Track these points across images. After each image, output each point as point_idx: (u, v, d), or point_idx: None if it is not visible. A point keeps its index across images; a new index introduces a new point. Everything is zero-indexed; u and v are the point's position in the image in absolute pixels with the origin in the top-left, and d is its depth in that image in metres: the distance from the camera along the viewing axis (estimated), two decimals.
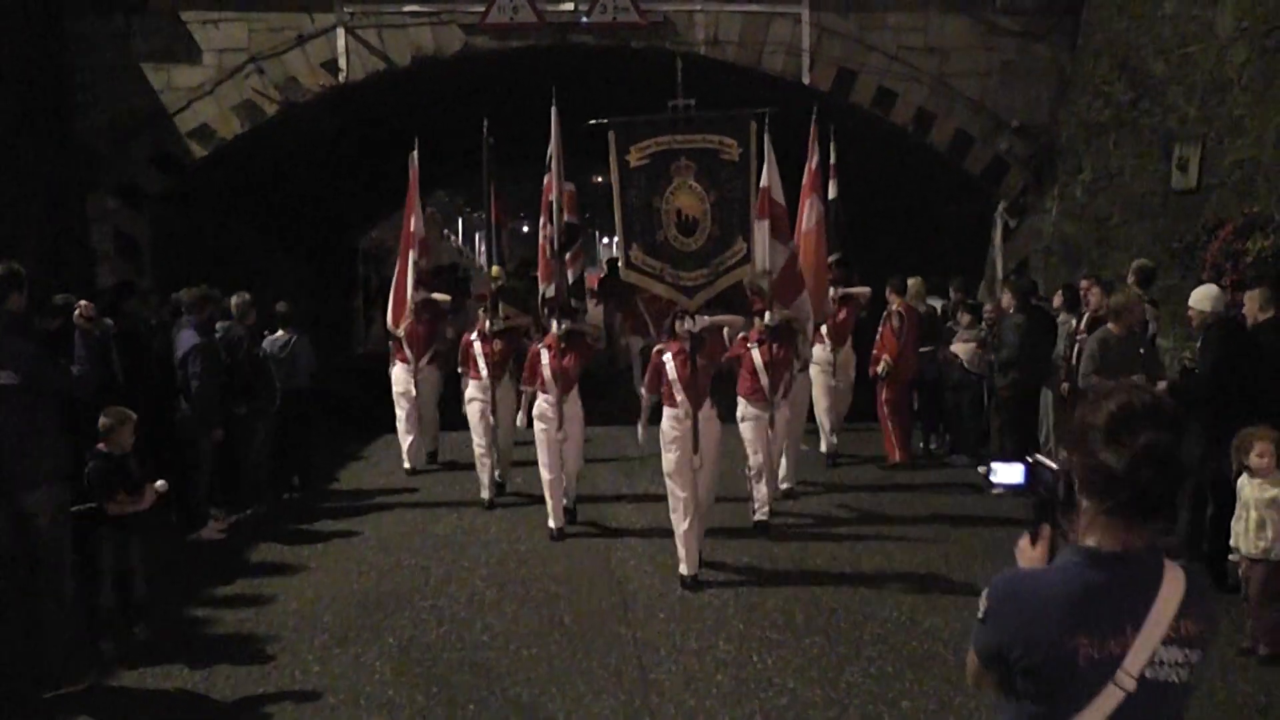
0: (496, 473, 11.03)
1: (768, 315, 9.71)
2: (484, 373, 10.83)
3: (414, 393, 12.29)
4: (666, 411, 8.59)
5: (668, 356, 8.67)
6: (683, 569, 8.34)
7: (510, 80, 15.00)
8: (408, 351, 12.34)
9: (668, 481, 8.54)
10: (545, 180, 9.98)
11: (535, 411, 9.83)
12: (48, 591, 6.67)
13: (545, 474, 9.71)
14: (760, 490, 9.69)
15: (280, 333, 11.55)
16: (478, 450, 10.89)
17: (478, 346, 10.90)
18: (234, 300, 10.81)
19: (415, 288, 12.18)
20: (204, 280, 10.50)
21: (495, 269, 11.42)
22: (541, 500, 9.96)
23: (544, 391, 9.72)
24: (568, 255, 10.05)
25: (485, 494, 10.87)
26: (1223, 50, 11.34)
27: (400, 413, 12.43)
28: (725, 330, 9.94)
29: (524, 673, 6.74)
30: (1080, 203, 13.93)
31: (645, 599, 8.09)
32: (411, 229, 12.34)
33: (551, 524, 9.68)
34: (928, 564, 8.78)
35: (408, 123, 15.21)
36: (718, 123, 8.44)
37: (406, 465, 12.40)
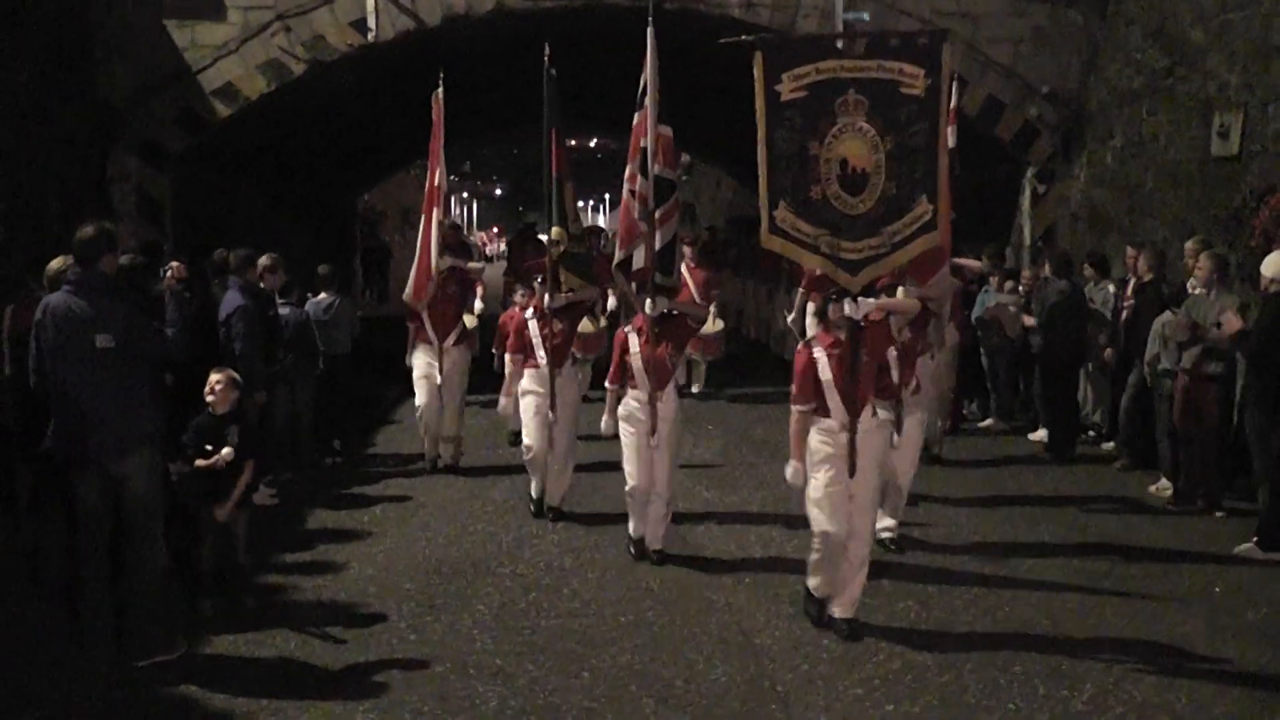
0: (544, 490, 9.29)
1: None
2: (542, 359, 9.06)
3: (438, 378, 10.51)
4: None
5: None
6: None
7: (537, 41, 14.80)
8: (430, 330, 10.55)
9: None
10: (635, 119, 8.05)
11: (622, 412, 8.19)
12: (141, 557, 6.54)
13: (630, 482, 8.15)
14: None
15: (324, 295, 11.39)
16: (528, 453, 9.17)
17: (533, 327, 9.14)
18: (262, 261, 10.59)
19: (440, 253, 10.38)
20: (214, 241, 10.34)
21: (557, 230, 9.09)
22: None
23: (634, 388, 8.12)
24: (658, 213, 7.93)
25: (534, 494, 9.36)
26: (1266, 18, 11.31)
27: (420, 399, 10.67)
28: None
29: (628, 640, 6.67)
30: (1111, 169, 13.92)
31: (723, 565, 8.06)
32: (435, 182, 10.54)
33: (633, 537, 8.32)
34: (998, 529, 8.82)
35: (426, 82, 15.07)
36: (901, 46, 6.60)
37: (427, 465, 10.89)
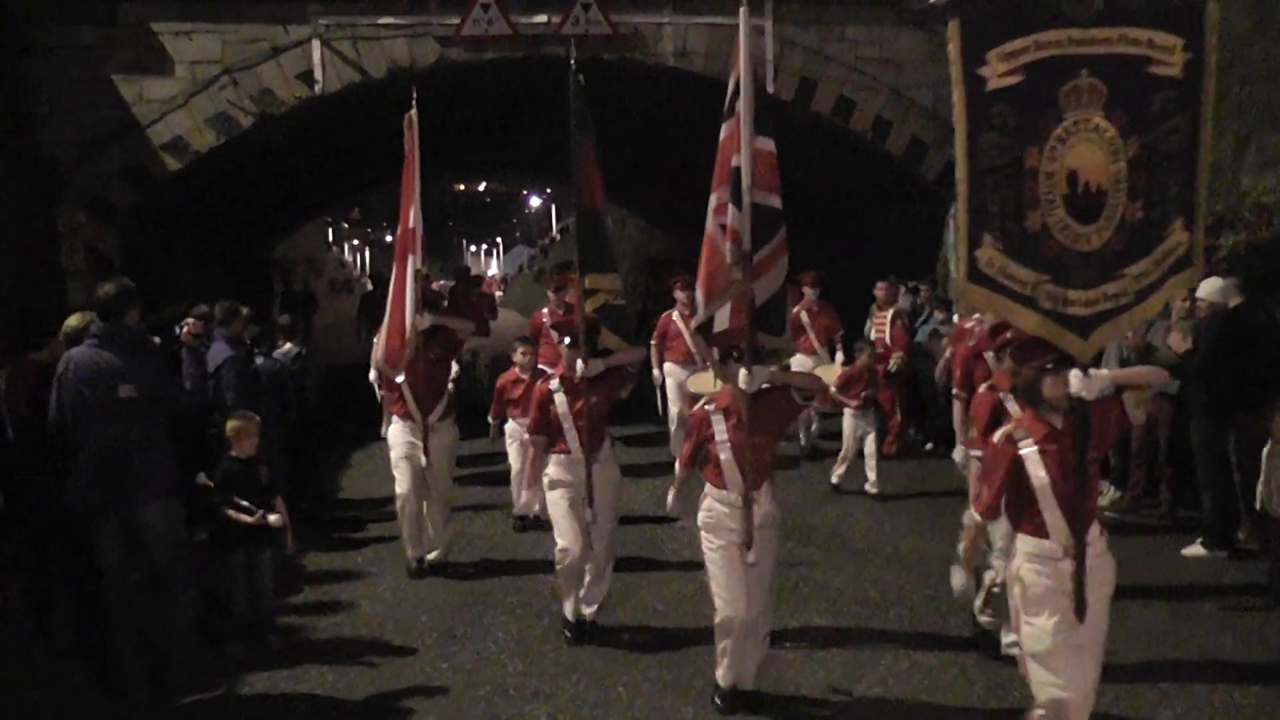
0: (578, 609, 7.50)
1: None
2: (574, 443, 7.28)
3: (423, 460, 8.72)
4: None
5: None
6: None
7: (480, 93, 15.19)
8: (411, 403, 8.77)
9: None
10: (723, 133, 6.07)
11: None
12: (175, 601, 6.67)
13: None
14: None
15: (288, 345, 11.51)
16: (562, 559, 7.32)
17: (561, 401, 7.29)
18: (216, 310, 10.64)
19: (419, 309, 8.59)
20: (160, 296, 10.29)
21: (594, 278, 7.39)
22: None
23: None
24: (759, 255, 5.98)
25: (569, 616, 7.47)
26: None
27: (401, 486, 8.85)
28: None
29: (651, 655, 7.02)
30: None
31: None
32: (410, 223, 8.78)
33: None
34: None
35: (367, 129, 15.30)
36: (1148, 6, 4.78)
37: (411, 565, 8.99)
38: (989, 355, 7.32)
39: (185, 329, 7.75)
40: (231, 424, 7.49)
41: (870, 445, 11.11)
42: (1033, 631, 5.07)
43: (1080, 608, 4.95)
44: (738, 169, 5.91)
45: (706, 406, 6.28)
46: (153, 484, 6.55)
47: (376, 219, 79.58)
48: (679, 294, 12.02)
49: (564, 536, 7.25)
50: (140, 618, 6.69)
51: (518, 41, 14.36)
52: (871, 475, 10.99)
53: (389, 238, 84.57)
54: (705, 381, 10.00)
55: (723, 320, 6.27)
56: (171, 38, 13.41)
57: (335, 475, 12.78)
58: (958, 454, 8.01)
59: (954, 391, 8.27)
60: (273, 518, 7.31)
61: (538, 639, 7.41)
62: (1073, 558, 4.96)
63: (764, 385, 6.05)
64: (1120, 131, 4.75)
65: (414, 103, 8.93)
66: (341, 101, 14.27)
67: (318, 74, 13.82)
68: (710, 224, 6.23)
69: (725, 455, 6.08)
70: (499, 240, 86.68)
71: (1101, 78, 4.70)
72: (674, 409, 12.22)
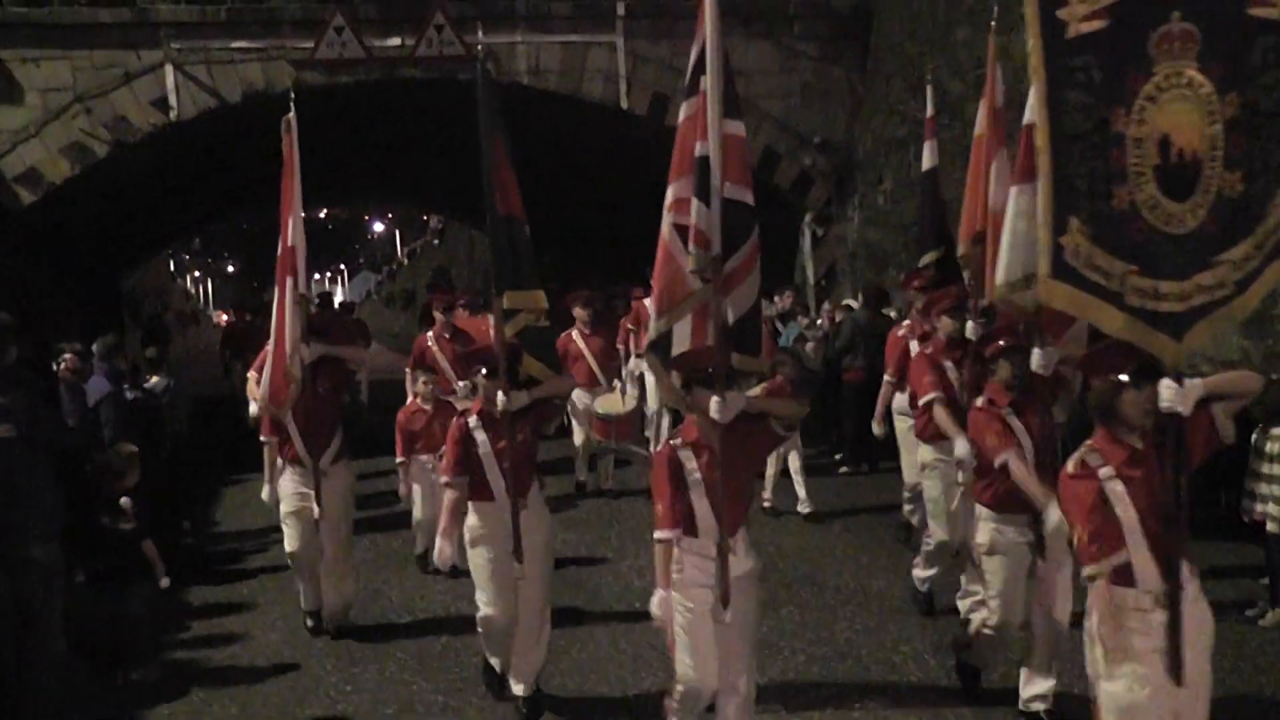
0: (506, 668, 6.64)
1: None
2: (498, 487, 6.29)
3: (315, 510, 7.65)
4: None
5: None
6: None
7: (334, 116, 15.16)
8: (299, 446, 7.65)
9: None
10: (682, 115, 5.39)
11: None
12: (42, 646, 6.60)
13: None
14: None
15: (156, 378, 11.35)
16: (486, 621, 6.45)
17: (481, 440, 6.30)
18: (96, 345, 10.55)
19: (304, 339, 7.53)
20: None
21: (514, 295, 6.35)
22: None
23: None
24: (731, 263, 5.17)
25: (498, 668, 6.71)
26: (1018, 71, 12.86)
27: (292, 543, 7.90)
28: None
29: (552, 666, 7.07)
30: (884, 210, 15.36)
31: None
32: (289, 240, 7.67)
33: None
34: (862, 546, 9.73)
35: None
36: None
37: (309, 623, 8.17)
38: (948, 364, 7.41)
39: (64, 365, 7.63)
40: (126, 453, 7.45)
41: (795, 462, 10.62)
42: (1118, 693, 4.26)
43: (1177, 668, 4.16)
44: (704, 158, 5.09)
45: (673, 442, 5.32)
46: (32, 525, 6.49)
47: (218, 249, 77.79)
48: (578, 312, 11.63)
49: (489, 602, 6.31)
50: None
51: (373, 64, 14.43)
52: (801, 493, 10.59)
53: (230, 268, 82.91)
54: (614, 402, 10.01)
55: (683, 339, 5.34)
56: (20, 65, 13.22)
57: (210, 508, 12.62)
58: (960, 448, 6.87)
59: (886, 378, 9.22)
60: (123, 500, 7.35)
61: (435, 657, 7.52)
62: (1164, 607, 4.19)
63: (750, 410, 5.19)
64: (1216, 86, 4.00)
65: (292, 103, 7.91)
66: (197, 127, 14.11)
67: (172, 99, 13.74)
68: (665, 223, 5.32)
69: (698, 497, 5.17)
70: (343, 267, 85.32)
71: (1195, 21, 3.97)
72: (578, 438, 11.71)
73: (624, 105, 15.40)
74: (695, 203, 5.12)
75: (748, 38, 15.70)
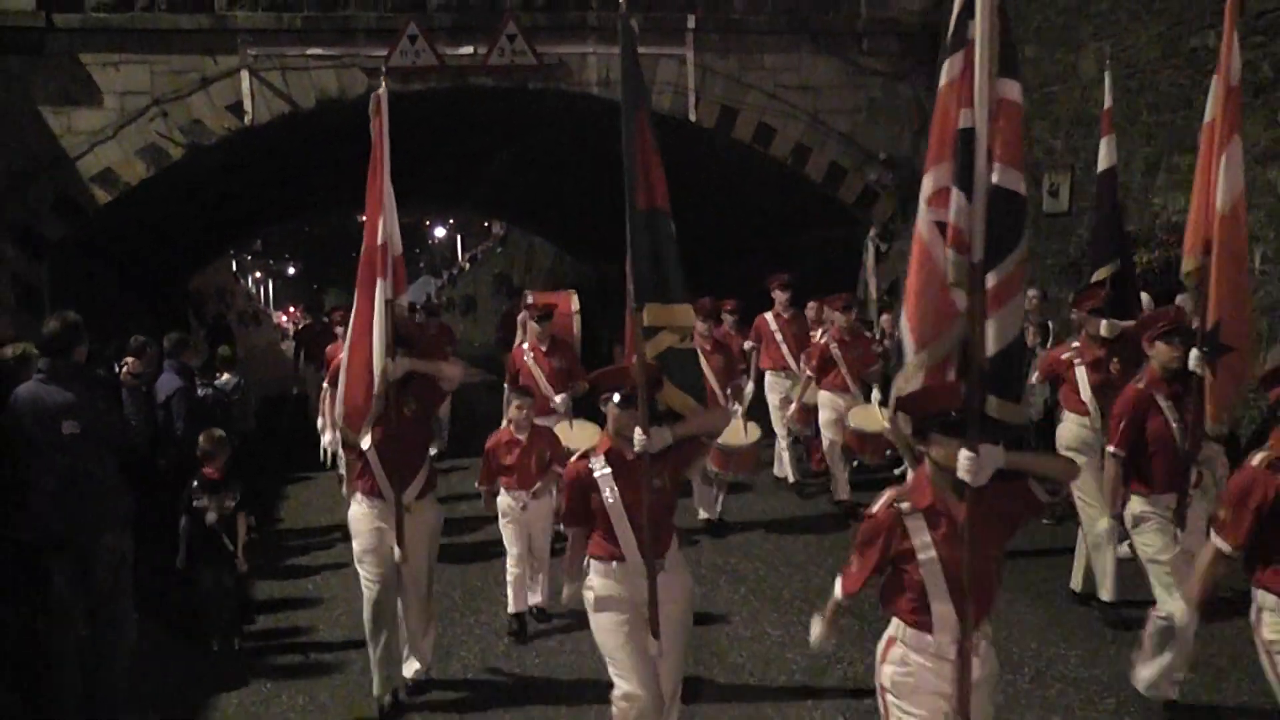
0: None
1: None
2: (629, 546, 5.14)
3: (396, 552, 6.57)
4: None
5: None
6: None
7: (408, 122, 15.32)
8: (380, 475, 6.55)
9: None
10: (943, 78, 4.15)
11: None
12: (118, 631, 6.76)
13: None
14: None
15: (226, 375, 11.59)
16: (625, 706, 5.16)
17: (610, 489, 5.16)
18: (165, 341, 10.75)
19: (390, 353, 6.40)
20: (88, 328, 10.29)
21: (655, 310, 5.12)
22: None
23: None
24: (993, 277, 4.01)
25: None
26: (1084, 90, 12.82)
27: (369, 591, 6.73)
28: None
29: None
30: None
31: None
32: (379, 238, 6.52)
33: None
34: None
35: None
36: None
37: (377, 690, 6.74)
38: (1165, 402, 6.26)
39: (125, 368, 7.79)
40: (203, 445, 7.76)
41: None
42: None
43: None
44: (969, 130, 3.94)
45: (900, 506, 4.21)
46: (110, 512, 6.66)
47: (278, 251, 78.73)
48: (532, 325, 10.22)
49: (626, 679, 5.11)
50: (79, 646, 6.76)
51: (445, 72, 14.61)
52: None
53: (291, 269, 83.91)
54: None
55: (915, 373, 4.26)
56: (100, 68, 13.47)
57: (275, 505, 12.81)
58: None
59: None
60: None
61: (497, 658, 7.64)
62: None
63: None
64: None
65: (384, 80, 7.14)
66: (270, 132, 14.36)
67: (247, 104, 13.96)
68: (922, 221, 4.23)
69: (934, 583, 4.11)
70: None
71: None
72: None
73: (692, 118, 15.49)
74: (955, 193, 3.97)
75: (815, 54, 15.77)
